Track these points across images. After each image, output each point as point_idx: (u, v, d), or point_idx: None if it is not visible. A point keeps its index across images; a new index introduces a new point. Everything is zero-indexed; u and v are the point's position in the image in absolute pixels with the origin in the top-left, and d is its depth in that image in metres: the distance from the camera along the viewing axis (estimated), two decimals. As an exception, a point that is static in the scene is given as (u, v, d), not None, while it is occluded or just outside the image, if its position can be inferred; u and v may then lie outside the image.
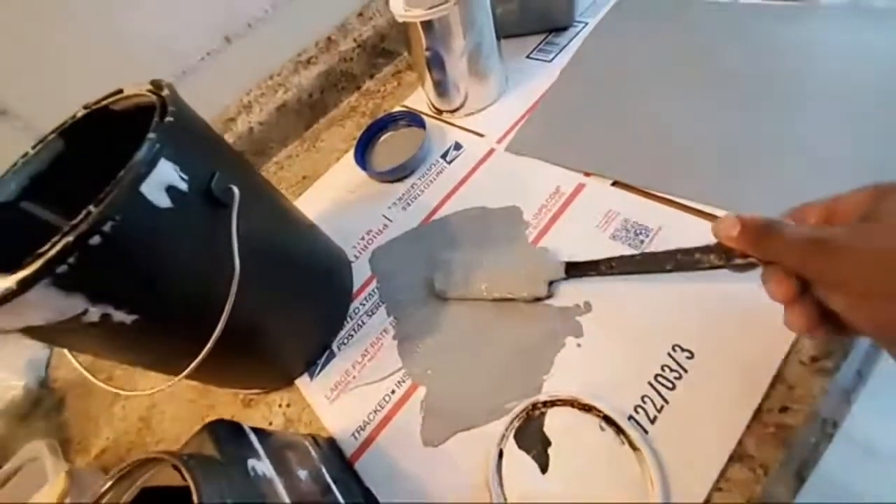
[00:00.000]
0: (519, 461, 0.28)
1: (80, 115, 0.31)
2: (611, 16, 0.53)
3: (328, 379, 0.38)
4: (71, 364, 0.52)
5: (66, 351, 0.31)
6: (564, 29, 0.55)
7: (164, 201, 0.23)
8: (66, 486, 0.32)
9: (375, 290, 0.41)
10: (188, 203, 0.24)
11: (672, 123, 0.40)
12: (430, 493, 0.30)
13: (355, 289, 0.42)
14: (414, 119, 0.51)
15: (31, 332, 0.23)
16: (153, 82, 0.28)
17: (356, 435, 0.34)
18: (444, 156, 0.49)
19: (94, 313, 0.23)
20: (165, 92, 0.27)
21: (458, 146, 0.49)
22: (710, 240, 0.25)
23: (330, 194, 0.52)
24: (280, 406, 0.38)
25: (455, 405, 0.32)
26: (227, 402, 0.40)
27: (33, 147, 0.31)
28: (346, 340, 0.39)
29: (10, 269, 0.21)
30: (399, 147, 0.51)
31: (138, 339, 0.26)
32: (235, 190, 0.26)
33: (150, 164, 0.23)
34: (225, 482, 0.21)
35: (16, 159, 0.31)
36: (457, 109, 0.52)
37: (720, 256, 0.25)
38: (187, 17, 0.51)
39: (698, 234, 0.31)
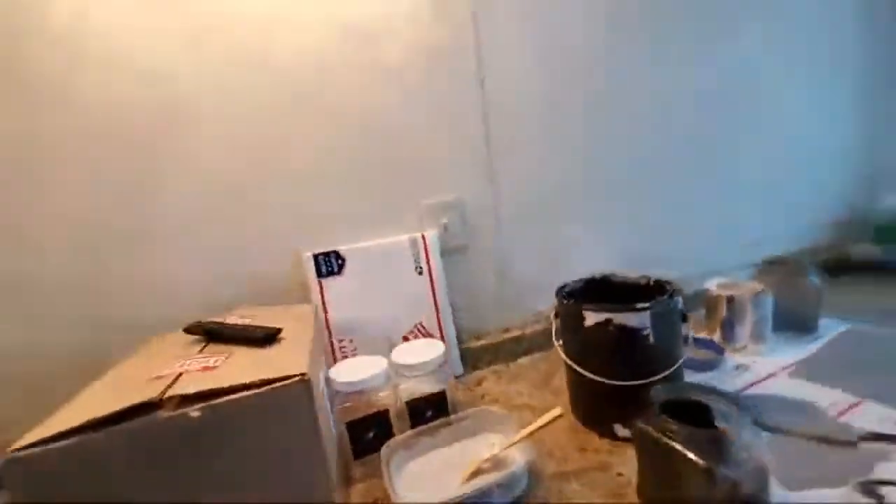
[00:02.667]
0: None
1: (596, 276, 0.75)
2: (848, 330, 0.85)
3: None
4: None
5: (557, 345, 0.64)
6: (809, 332, 0.87)
7: (677, 308, 0.60)
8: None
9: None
10: (678, 312, 0.61)
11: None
12: None
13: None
14: (710, 345, 0.84)
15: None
16: (642, 275, 0.71)
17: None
18: (736, 368, 0.77)
19: (640, 331, 0.57)
20: (653, 280, 0.69)
21: (744, 366, 0.78)
22: None
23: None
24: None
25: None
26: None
27: (574, 281, 0.74)
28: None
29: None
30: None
31: (622, 355, 0.58)
32: (688, 316, 0.62)
33: (674, 296, 0.61)
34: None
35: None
36: (736, 350, 0.83)
37: None
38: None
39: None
